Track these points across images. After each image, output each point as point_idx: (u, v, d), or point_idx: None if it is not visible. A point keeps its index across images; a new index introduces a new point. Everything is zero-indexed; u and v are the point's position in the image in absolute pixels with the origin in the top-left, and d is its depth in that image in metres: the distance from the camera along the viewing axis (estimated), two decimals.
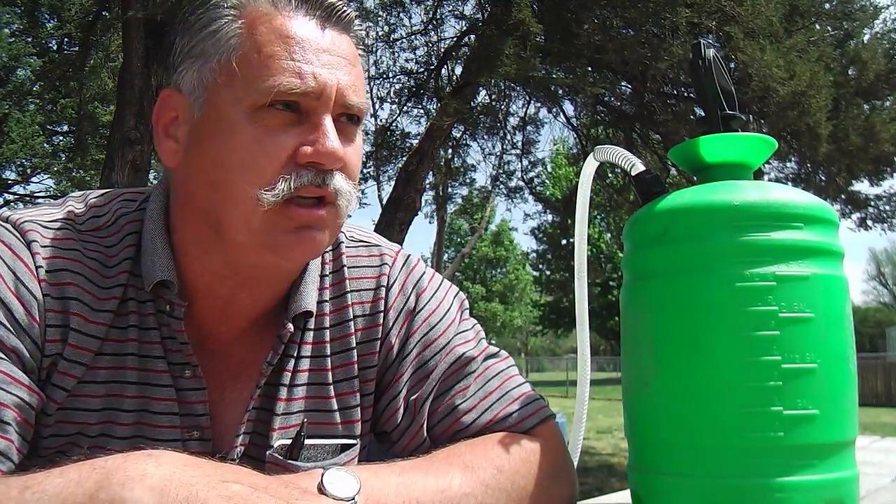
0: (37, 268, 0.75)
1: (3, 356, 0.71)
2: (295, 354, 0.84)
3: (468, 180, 10.84)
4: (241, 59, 0.74)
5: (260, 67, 0.73)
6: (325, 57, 0.75)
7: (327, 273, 0.89)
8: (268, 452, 0.82)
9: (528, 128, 8.94)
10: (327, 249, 0.90)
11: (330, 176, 0.75)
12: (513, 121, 8.92)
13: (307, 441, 0.83)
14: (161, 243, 0.80)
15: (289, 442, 0.83)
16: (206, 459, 0.57)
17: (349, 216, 0.84)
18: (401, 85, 8.41)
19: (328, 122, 0.75)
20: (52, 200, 0.84)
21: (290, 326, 0.83)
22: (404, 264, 0.92)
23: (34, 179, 13.93)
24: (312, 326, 0.86)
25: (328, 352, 0.86)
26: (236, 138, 0.73)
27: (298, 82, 0.73)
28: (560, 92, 7.11)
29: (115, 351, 0.78)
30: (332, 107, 0.75)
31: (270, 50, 0.74)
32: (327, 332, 0.87)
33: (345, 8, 0.79)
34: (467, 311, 0.95)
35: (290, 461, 0.82)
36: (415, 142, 7.83)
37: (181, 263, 0.80)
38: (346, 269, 0.89)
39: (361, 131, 0.82)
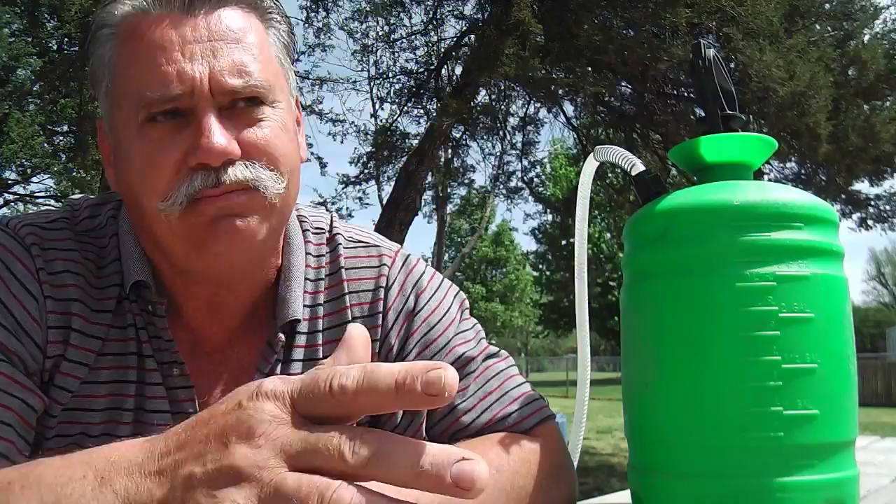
0: (37, 270, 0.76)
1: (3, 359, 0.71)
2: (282, 359, 0.84)
3: (468, 180, 10.81)
4: (118, 79, 0.74)
5: (132, 84, 0.72)
6: (190, 48, 0.71)
7: (323, 276, 0.88)
8: None
9: (528, 128, 8.94)
10: (324, 252, 0.89)
11: (223, 172, 0.70)
12: (512, 121, 8.91)
13: None
14: (132, 246, 0.80)
15: None
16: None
17: (296, 203, 0.81)
18: (401, 85, 8.42)
19: (207, 118, 0.70)
20: (52, 202, 0.86)
21: (282, 336, 0.83)
22: (403, 264, 0.92)
23: (34, 179, 13.91)
24: (305, 330, 0.85)
25: (320, 355, 0.85)
26: (131, 158, 0.73)
27: (163, 91, 0.69)
28: (560, 92, 7.11)
29: (116, 351, 0.78)
30: (214, 96, 0.71)
31: (136, 63, 0.72)
32: (320, 336, 0.86)
33: None
34: (467, 311, 0.95)
35: None
36: (415, 142, 7.83)
37: (154, 265, 0.81)
38: (343, 270, 0.88)
39: (282, 108, 0.76)
